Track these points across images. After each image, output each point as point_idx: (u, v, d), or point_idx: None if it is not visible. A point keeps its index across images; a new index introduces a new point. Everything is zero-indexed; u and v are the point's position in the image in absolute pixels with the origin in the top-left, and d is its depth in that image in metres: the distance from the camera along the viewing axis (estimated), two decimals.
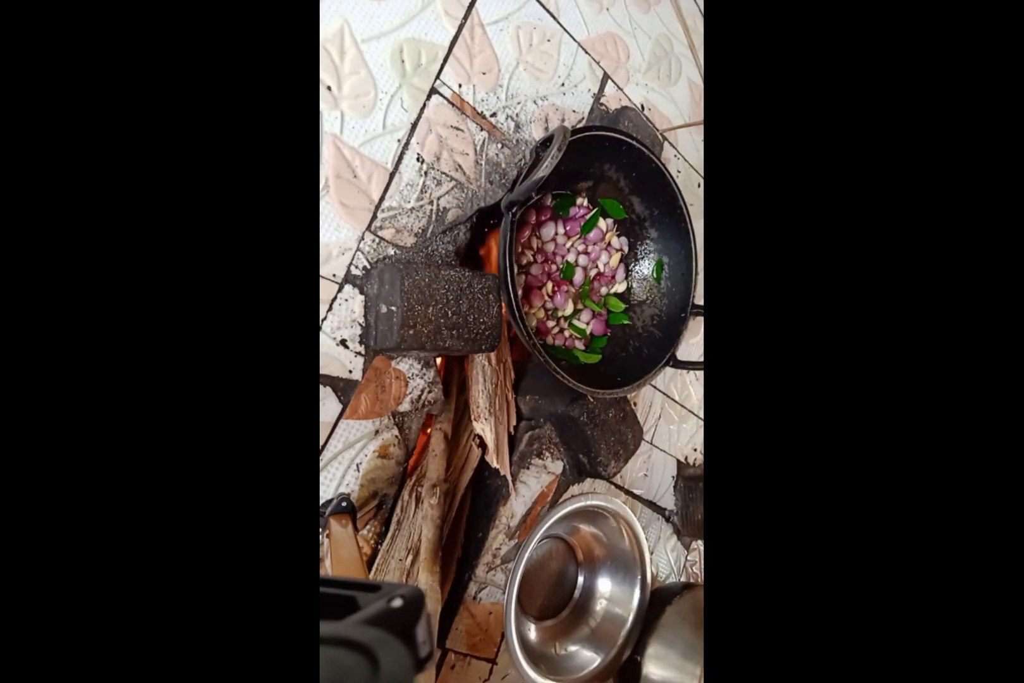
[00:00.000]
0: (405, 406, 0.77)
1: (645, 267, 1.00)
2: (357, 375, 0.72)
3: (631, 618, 0.96)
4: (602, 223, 0.96)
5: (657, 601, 0.96)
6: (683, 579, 1.11)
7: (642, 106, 1.04)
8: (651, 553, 1.04)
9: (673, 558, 1.10)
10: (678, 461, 1.13)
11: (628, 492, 1.02)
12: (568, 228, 0.94)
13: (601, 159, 0.91)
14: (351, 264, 0.72)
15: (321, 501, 0.70)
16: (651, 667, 0.88)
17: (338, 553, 0.56)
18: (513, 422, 0.88)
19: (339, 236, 0.71)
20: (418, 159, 0.77)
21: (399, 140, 0.75)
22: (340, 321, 0.71)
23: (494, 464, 0.82)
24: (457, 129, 0.81)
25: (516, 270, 0.86)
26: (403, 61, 0.75)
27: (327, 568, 0.67)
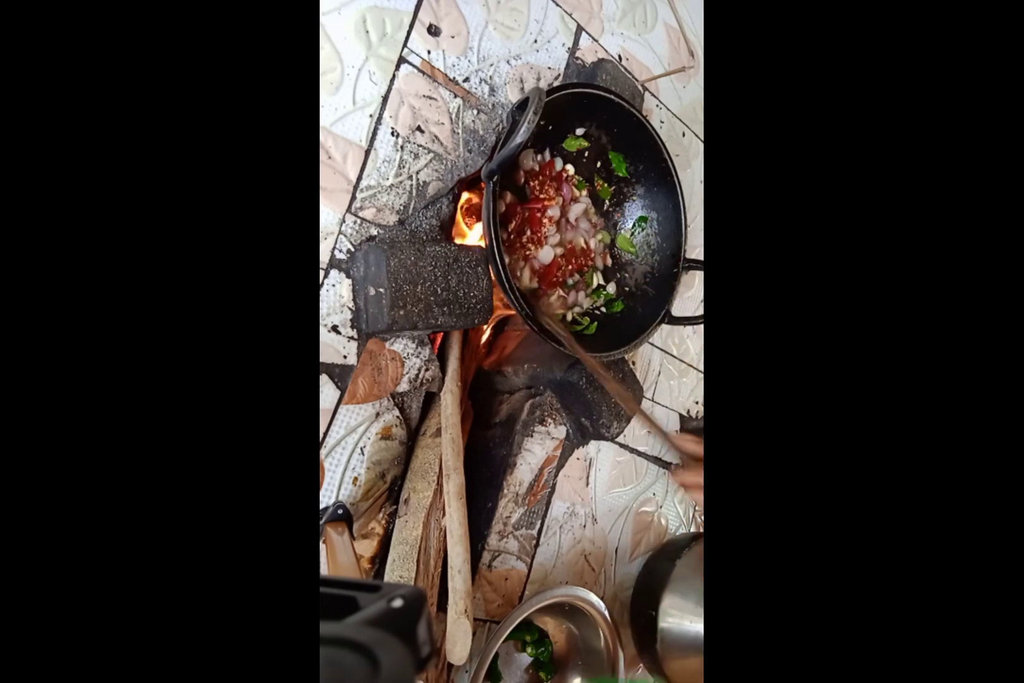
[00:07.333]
0: (403, 386, 0.77)
1: (631, 226, 0.98)
2: (352, 360, 0.72)
3: None
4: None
5: (667, 555, 0.98)
6: (692, 530, 1.13)
7: (619, 57, 1.00)
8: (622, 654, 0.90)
9: (681, 510, 1.12)
10: (680, 415, 1.14)
11: (633, 450, 1.03)
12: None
13: (581, 117, 0.89)
14: (335, 248, 0.71)
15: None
16: (667, 620, 0.90)
17: (336, 560, 0.57)
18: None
19: (320, 220, 0.69)
20: (393, 133, 0.75)
21: (371, 115, 0.73)
22: (330, 307, 0.71)
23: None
24: (430, 98, 0.78)
25: (502, 240, 0.85)
26: (367, 32, 0.72)
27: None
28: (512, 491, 0.87)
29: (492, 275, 0.78)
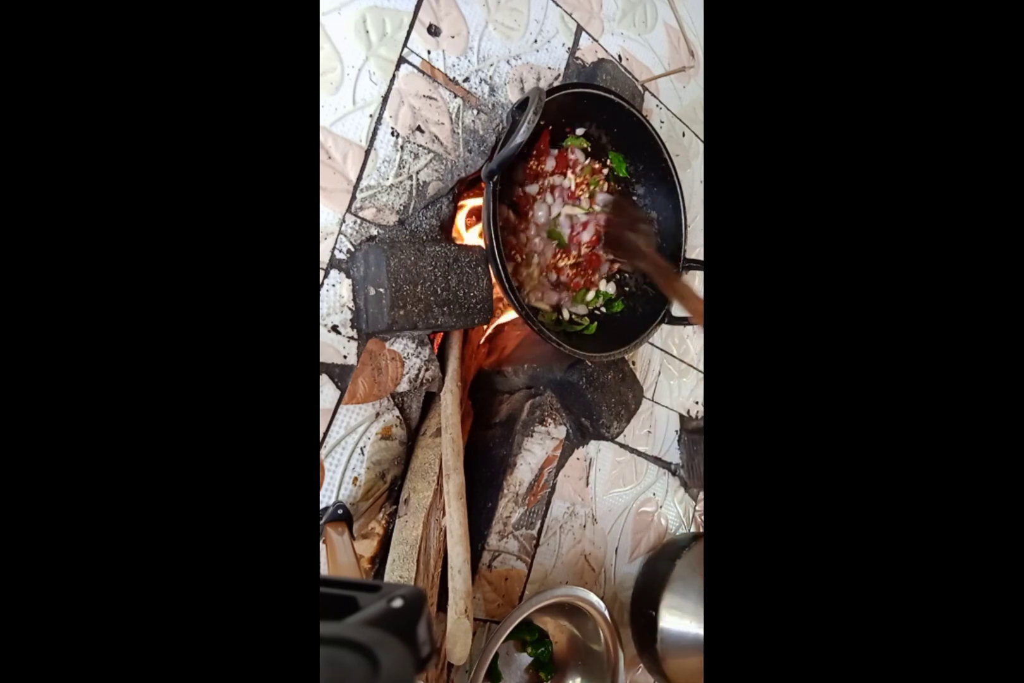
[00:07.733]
0: (403, 386, 0.77)
1: None
2: (352, 360, 0.72)
3: None
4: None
5: (667, 555, 0.98)
6: (692, 529, 1.13)
7: (619, 57, 1.00)
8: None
9: (681, 510, 1.12)
10: (680, 415, 1.14)
11: (633, 450, 1.03)
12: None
13: (581, 117, 0.89)
14: (335, 248, 0.71)
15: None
16: (667, 620, 0.90)
17: (336, 560, 0.57)
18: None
19: (320, 220, 0.70)
20: (393, 133, 0.75)
21: (371, 115, 0.73)
22: (330, 307, 0.71)
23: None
24: (430, 98, 0.78)
25: (503, 241, 0.85)
26: (367, 32, 0.72)
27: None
28: (512, 491, 0.87)
29: (492, 275, 0.78)
